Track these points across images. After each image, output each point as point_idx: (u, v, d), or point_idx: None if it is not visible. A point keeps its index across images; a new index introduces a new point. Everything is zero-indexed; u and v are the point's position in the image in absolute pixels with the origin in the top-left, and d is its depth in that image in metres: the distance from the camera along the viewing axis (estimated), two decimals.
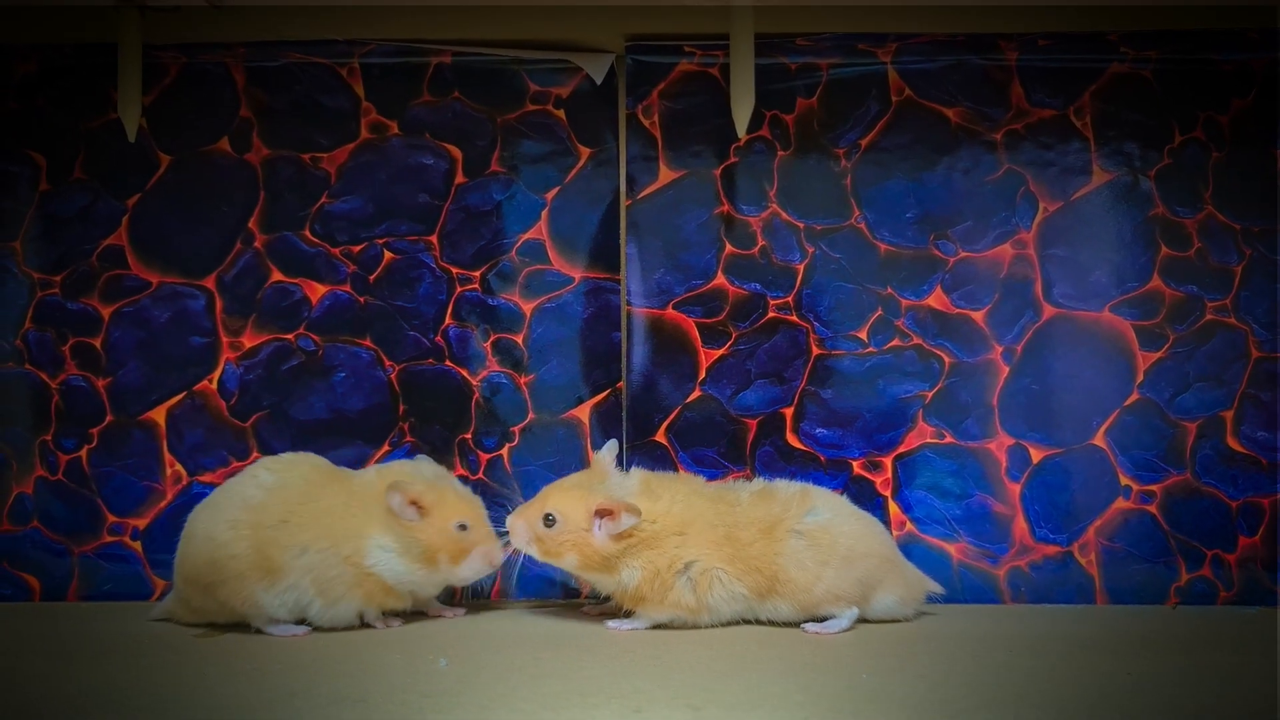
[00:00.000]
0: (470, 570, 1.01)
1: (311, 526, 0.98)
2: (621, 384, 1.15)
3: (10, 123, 1.17)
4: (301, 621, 0.99)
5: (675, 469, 1.14)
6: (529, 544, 1.00)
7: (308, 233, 1.16)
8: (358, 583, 0.98)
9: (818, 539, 1.00)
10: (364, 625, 1.00)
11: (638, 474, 1.03)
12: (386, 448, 1.15)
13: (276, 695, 0.77)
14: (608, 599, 1.04)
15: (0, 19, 1.14)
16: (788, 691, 0.77)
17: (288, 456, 1.05)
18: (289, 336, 1.16)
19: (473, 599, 1.12)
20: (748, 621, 1.01)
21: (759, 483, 1.05)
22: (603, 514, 0.98)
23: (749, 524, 1.00)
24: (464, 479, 1.14)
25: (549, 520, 0.99)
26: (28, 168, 1.16)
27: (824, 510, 1.02)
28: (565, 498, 1.00)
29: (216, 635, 0.97)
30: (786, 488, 1.04)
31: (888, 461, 1.14)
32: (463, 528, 1.00)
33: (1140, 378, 1.13)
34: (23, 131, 1.17)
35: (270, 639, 0.96)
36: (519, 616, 1.07)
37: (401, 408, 1.15)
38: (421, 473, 1.03)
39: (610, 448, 1.04)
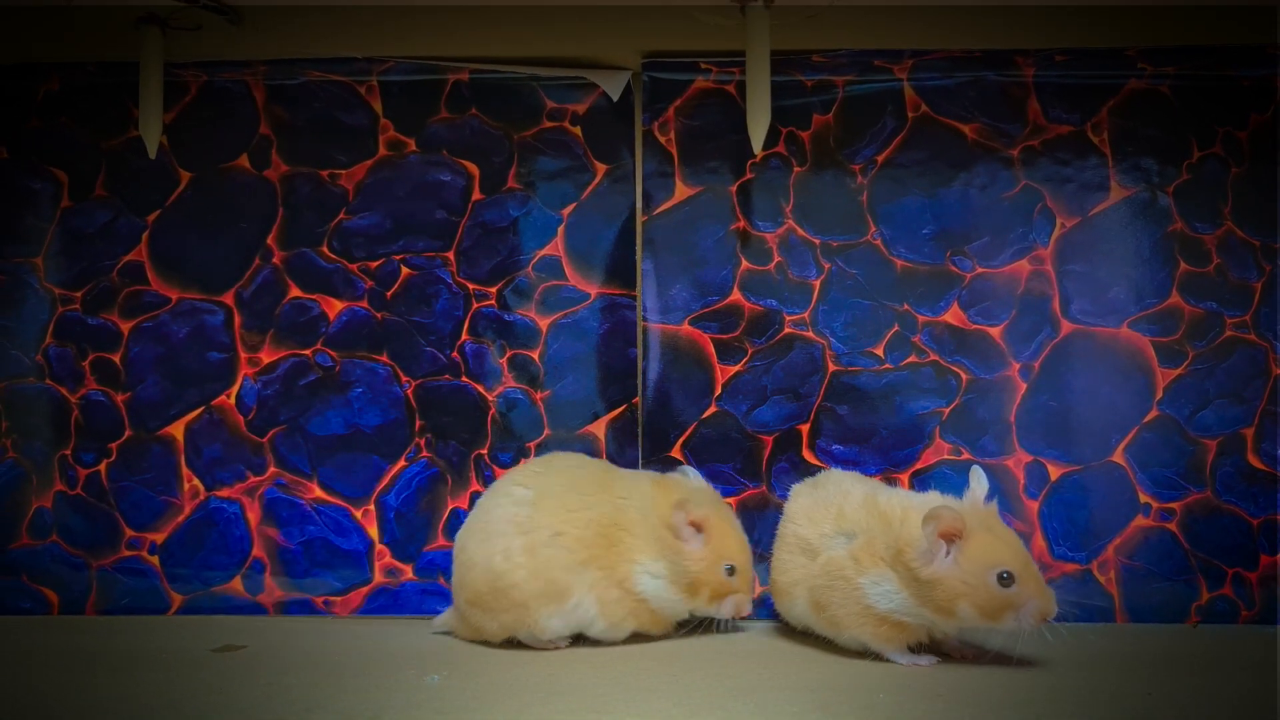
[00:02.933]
0: (720, 613, 1.00)
1: (590, 544, 0.97)
2: (637, 400, 1.15)
3: (33, 140, 1.18)
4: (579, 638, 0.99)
5: None
6: None
7: (325, 249, 1.17)
8: (634, 609, 0.98)
9: None
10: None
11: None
12: (403, 463, 1.15)
13: (292, 710, 0.77)
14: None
15: (23, 38, 1.15)
16: (804, 711, 0.77)
17: (535, 465, 1.05)
18: (306, 352, 1.16)
19: None
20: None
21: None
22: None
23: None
24: (480, 495, 1.15)
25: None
26: (50, 184, 1.18)
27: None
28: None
29: (233, 650, 0.98)
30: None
31: (904, 478, 1.13)
32: (731, 571, 0.99)
33: (1160, 394, 1.13)
34: (45, 148, 1.18)
35: (282, 653, 0.96)
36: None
37: (418, 423, 1.16)
38: (698, 495, 1.01)
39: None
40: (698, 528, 0.98)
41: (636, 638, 1.00)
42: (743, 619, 1.02)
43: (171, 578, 1.15)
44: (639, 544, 0.98)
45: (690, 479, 1.04)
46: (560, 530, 0.97)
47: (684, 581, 0.98)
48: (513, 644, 0.99)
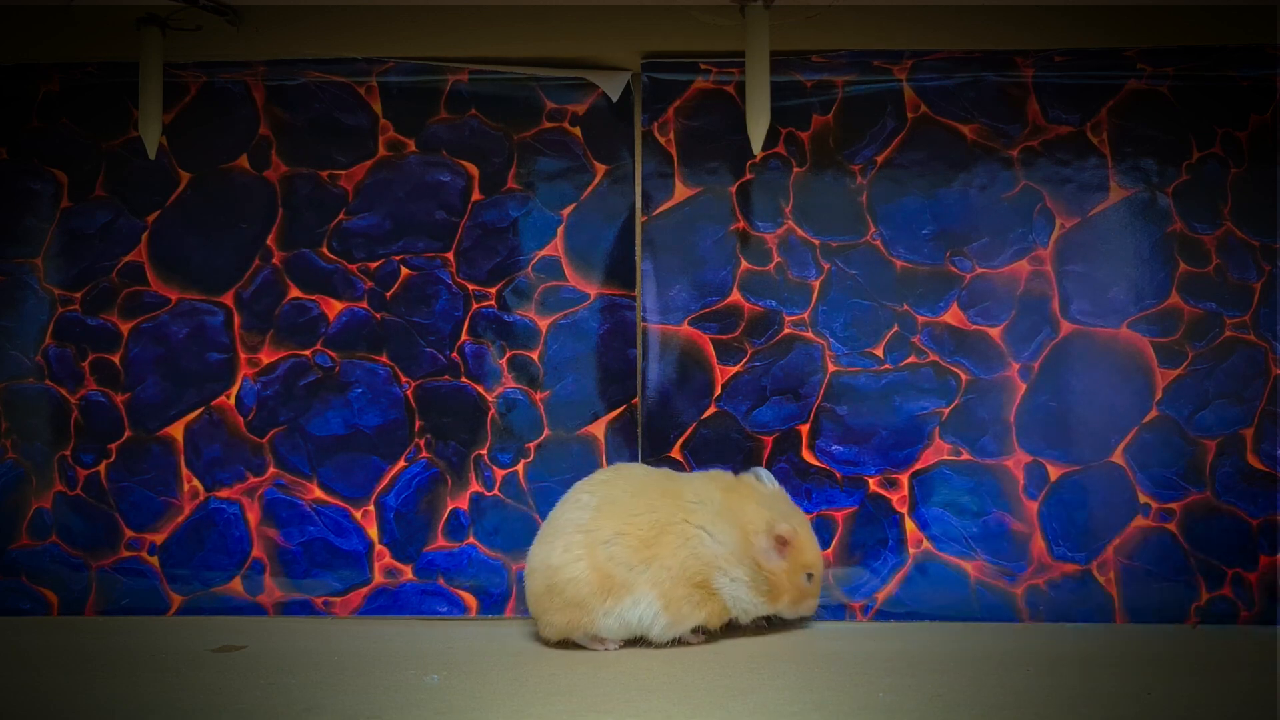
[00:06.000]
0: (796, 614, 1.04)
1: (653, 544, 0.98)
2: (637, 400, 1.15)
3: (33, 140, 1.18)
4: (638, 641, 0.99)
5: None
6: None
7: (325, 249, 1.17)
8: (701, 602, 0.99)
9: None
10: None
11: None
12: (402, 464, 1.15)
13: (292, 710, 0.77)
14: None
15: (23, 38, 1.15)
16: (804, 710, 0.77)
17: (603, 474, 1.05)
18: (306, 353, 1.16)
19: (485, 614, 1.12)
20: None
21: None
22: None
23: None
24: (479, 495, 1.15)
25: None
26: (50, 185, 1.18)
27: None
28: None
29: (233, 650, 0.98)
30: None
31: (904, 479, 1.13)
32: (809, 578, 1.02)
33: (1159, 395, 1.13)
34: (45, 149, 1.18)
35: (282, 653, 0.96)
36: (534, 632, 1.07)
37: (418, 423, 1.16)
38: (776, 504, 1.02)
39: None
40: (783, 544, 0.99)
41: (652, 655, 1.00)
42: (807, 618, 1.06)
43: (171, 578, 1.15)
44: (721, 549, 0.99)
45: (765, 484, 1.05)
46: (622, 530, 0.98)
47: (765, 589, 1.00)
48: (567, 645, 0.98)
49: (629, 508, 0.99)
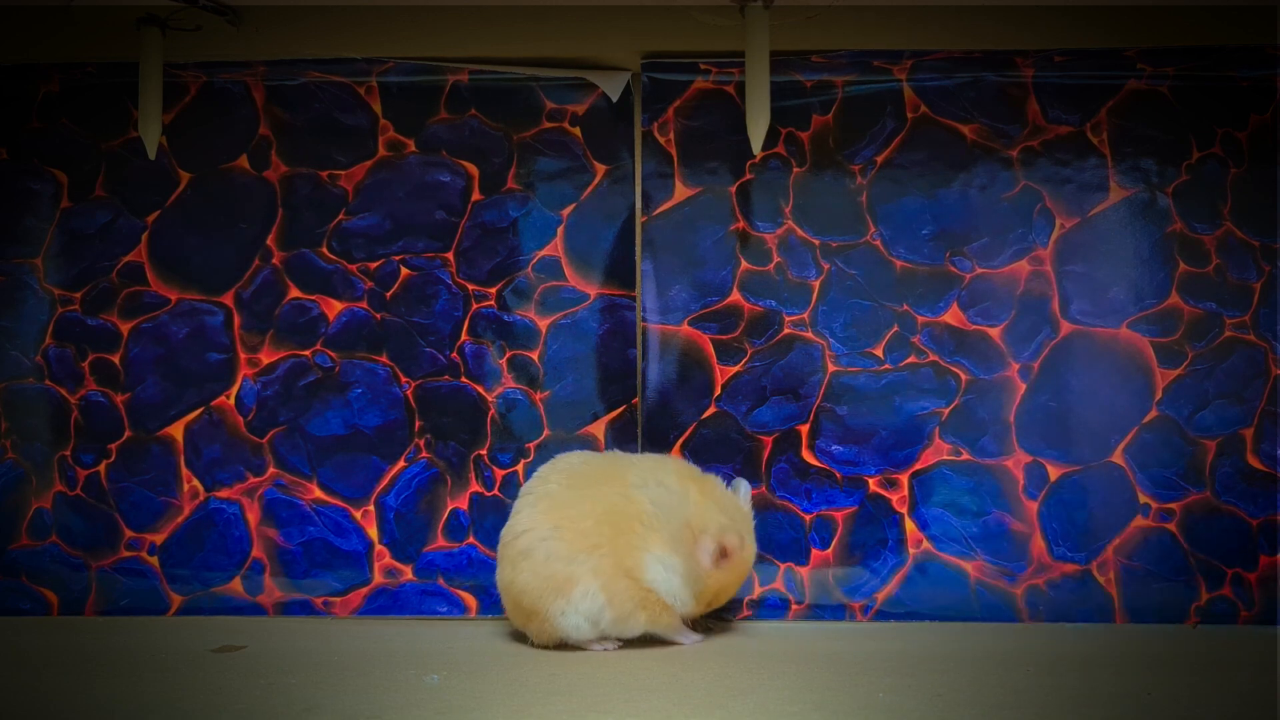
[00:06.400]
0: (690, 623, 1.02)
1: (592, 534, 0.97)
2: (637, 400, 1.15)
3: (33, 140, 1.18)
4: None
5: None
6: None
7: (325, 250, 1.17)
8: (643, 602, 0.97)
9: None
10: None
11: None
12: (402, 464, 1.15)
13: (292, 710, 0.77)
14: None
15: (23, 38, 1.15)
16: (804, 710, 0.77)
17: (543, 469, 1.04)
18: (306, 353, 1.16)
19: (485, 614, 1.12)
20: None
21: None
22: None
23: None
24: (479, 495, 1.15)
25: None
26: (50, 185, 1.18)
27: None
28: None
29: (233, 650, 0.98)
30: None
31: (904, 479, 1.13)
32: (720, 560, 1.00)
33: (1159, 395, 1.13)
34: (45, 149, 1.18)
35: (282, 653, 0.96)
36: None
37: (417, 423, 1.16)
38: (736, 517, 1.01)
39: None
40: (724, 555, 0.98)
41: (651, 655, 1.00)
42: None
43: (171, 578, 1.15)
44: (653, 535, 0.97)
45: (738, 496, 1.03)
46: (558, 524, 0.97)
47: (695, 589, 0.98)
48: (565, 646, 0.98)
49: (564, 500, 0.98)
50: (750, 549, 1.01)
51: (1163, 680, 0.86)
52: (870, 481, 1.13)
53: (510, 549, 0.99)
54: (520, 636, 1.03)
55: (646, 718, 0.75)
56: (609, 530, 0.96)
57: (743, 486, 1.05)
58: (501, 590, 1.00)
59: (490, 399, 1.16)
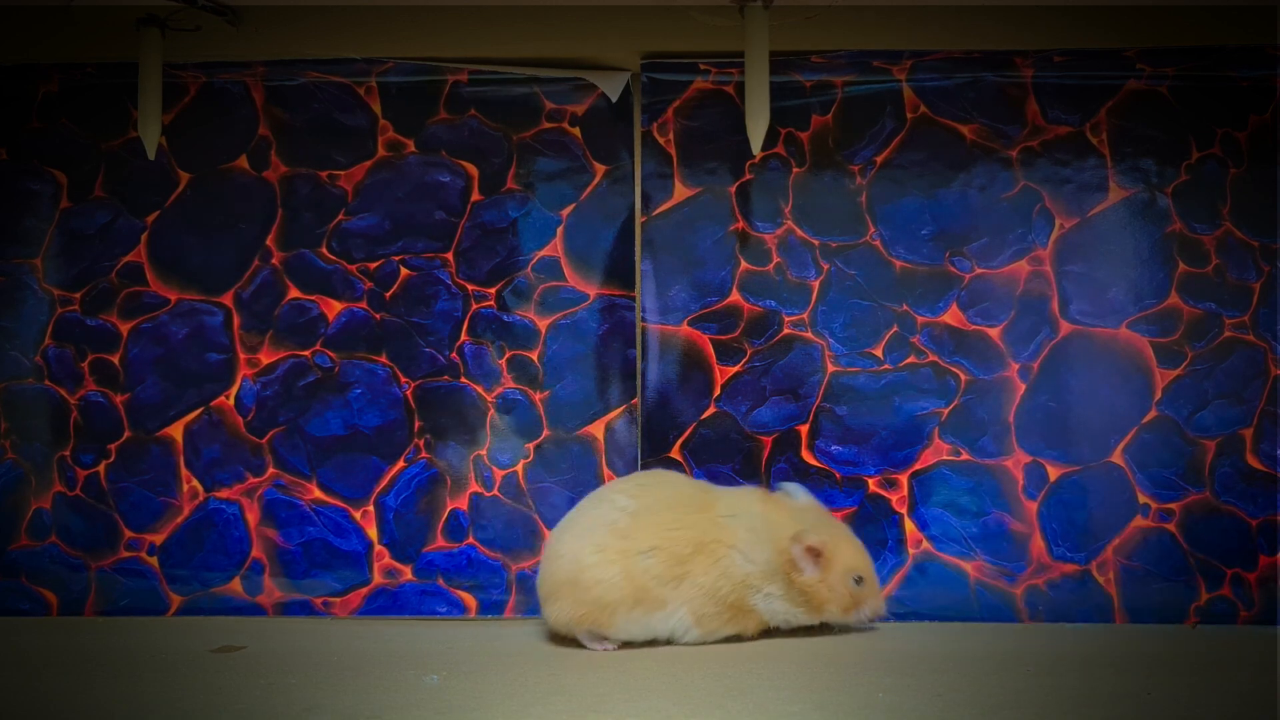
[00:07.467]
0: (856, 621, 1.02)
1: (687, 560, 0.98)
2: (636, 400, 1.15)
3: (32, 140, 1.18)
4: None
5: None
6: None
7: (325, 250, 1.17)
8: (734, 618, 0.99)
9: None
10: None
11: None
12: (402, 464, 1.15)
13: (292, 710, 0.77)
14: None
15: (23, 38, 1.15)
16: (804, 710, 0.77)
17: (641, 478, 1.06)
18: (306, 353, 1.16)
19: (484, 614, 1.12)
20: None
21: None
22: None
23: None
24: (479, 496, 1.15)
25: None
26: (49, 185, 1.18)
27: None
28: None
29: (233, 650, 0.98)
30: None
31: (904, 479, 1.13)
32: (858, 581, 1.00)
33: (1158, 395, 1.13)
34: (44, 149, 1.18)
35: (282, 653, 0.96)
36: (534, 633, 1.07)
37: (417, 424, 1.16)
38: (809, 515, 1.02)
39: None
40: (815, 555, 0.98)
41: (653, 655, 1.00)
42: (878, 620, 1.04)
43: (170, 579, 1.15)
44: (754, 568, 0.98)
45: (797, 498, 1.04)
46: (658, 544, 0.98)
47: (803, 601, 0.99)
48: (565, 640, 0.99)
49: (666, 521, 0.99)
50: (833, 530, 1.02)
51: (1162, 680, 0.86)
52: (870, 482, 1.13)
53: (598, 537, 0.98)
54: (520, 634, 1.03)
55: (646, 718, 0.75)
56: (704, 561, 0.98)
57: (792, 488, 1.05)
58: (565, 560, 0.99)
59: (490, 399, 1.16)
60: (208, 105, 1.18)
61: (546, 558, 1.02)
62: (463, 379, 1.16)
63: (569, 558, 0.99)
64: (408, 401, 1.16)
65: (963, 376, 1.14)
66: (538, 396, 1.15)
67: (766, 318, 1.15)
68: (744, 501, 1.02)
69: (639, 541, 0.98)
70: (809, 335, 1.14)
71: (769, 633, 1.02)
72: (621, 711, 0.77)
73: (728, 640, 1.00)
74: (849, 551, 1.01)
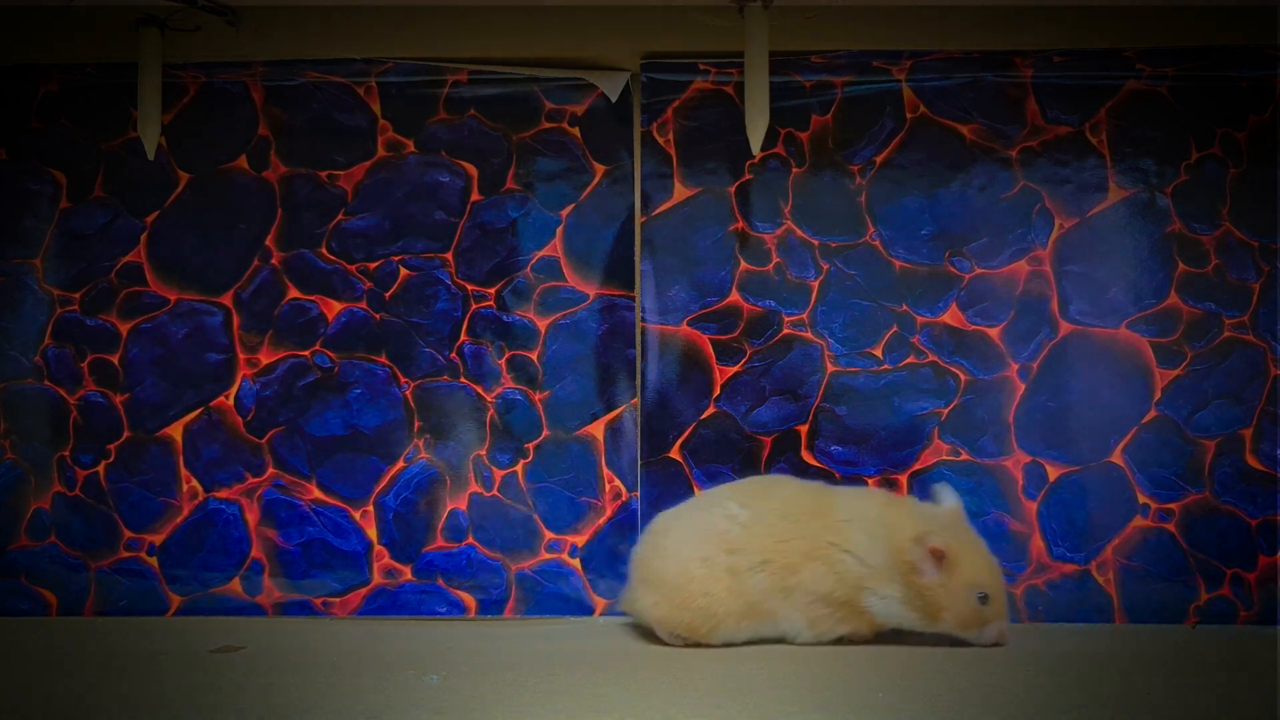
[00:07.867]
0: (979, 640, 0.98)
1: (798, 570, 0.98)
2: (636, 400, 1.15)
3: (32, 141, 1.18)
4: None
5: (690, 486, 1.13)
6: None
7: (324, 250, 1.17)
8: (846, 619, 0.99)
9: None
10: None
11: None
12: (401, 464, 1.15)
13: (292, 710, 0.77)
14: None
15: (22, 39, 1.15)
16: (804, 711, 0.77)
17: (755, 484, 1.05)
18: (305, 353, 1.16)
19: (484, 614, 1.12)
20: None
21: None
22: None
23: None
24: (478, 496, 1.15)
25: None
26: (49, 185, 1.18)
27: None
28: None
29: (232, 650, 0.98)
30: None
31: (903, 479, 1.13)
32: (984, 600, 0.97)
33: (1158, 395, 1.13)
34: (44, 149, 1.18)
35: (282, 653, 0.96)
36: (533, 633, 1.07)
37: (416, 424, 1.16)
38: (938, 520, 0.99)
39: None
40: (938, 558, 0.96)
41: (652, 656, 1.00)
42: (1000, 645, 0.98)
43: (170, 579, 1.15)
44: (868, 570, 0.97)
45: (940, 502, 1.02)
46: (769, 558, 0.98)
47: (921, 604, 0.97)
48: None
49: (779, 531, 0.99)
50: (965, 538, 0.98)
51: (1162, 680, 0.86)
52: (869, 482, 1.13)
53: (707, 548, 0.98)
54: (520, 634, 1.03)
55: (646, 718, 0.75)
56: (817, 568, 0.97)
57: (945, 491, 1.03)
58: (671, 565, 0.98)
59: (489, 399, 1.16)
60: (207, 105, 1.18)
61: (648, 546, 1.02)
62: (462, 379, 1.16)
63: (674, 561, 0.99)
64: (407, 401, 1.16)
65: (962, 376, 1.14)
66: (537, 397, 1.15)
67: (766, 318, 1.15)
68: (864, 504, 1.01)
69: (749, 556, 0.98)
70: (808, 335, 1.14)
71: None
72: (622, 711, 0.77)
73: (838, 642, 0.99)
74: (977, 563, 0.98)
